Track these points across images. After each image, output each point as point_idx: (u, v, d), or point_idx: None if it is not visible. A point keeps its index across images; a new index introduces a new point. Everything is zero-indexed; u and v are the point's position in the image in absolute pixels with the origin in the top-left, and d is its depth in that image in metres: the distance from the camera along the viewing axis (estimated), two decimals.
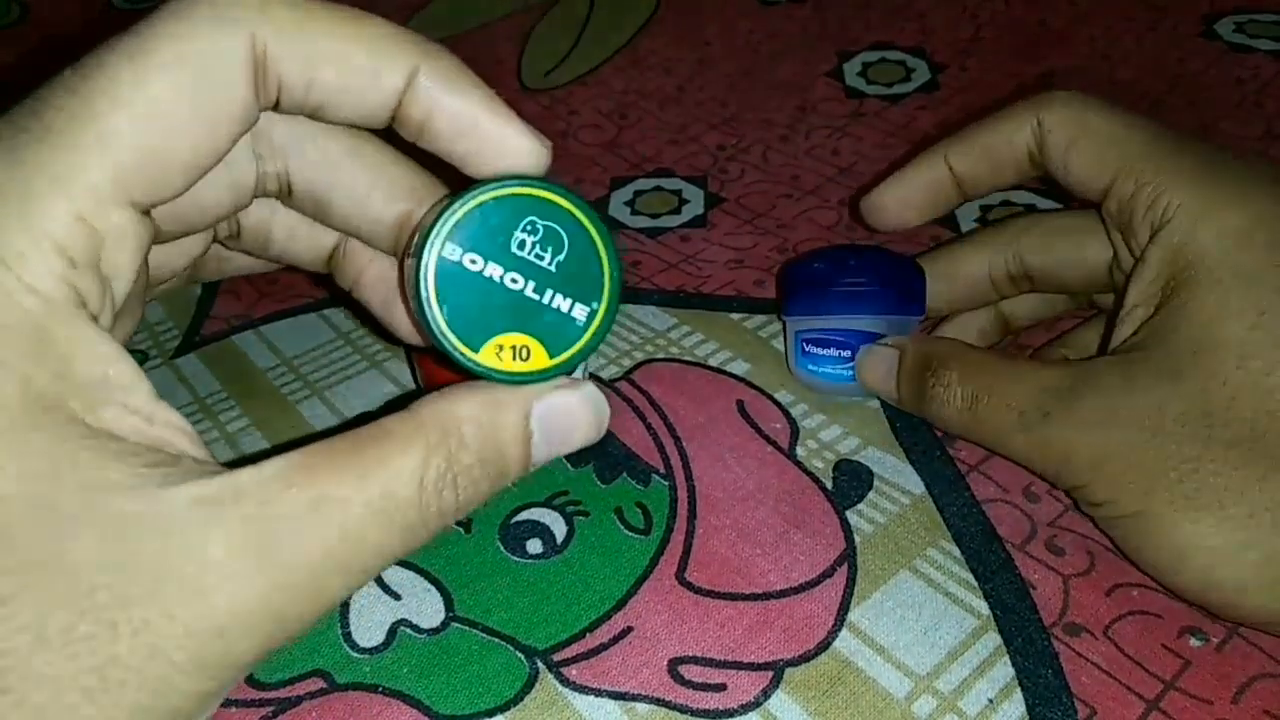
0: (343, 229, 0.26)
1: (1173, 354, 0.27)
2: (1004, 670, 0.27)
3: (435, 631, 0.29)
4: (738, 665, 0.28)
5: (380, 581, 0.31)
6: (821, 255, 0.37)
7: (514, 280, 0.21)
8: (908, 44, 0.59)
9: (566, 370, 0.22)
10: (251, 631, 0.18)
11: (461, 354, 0.21)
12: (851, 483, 0.33)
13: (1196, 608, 0.28)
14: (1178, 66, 0.54)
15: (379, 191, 0.24)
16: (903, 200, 0.34)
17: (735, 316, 0.41)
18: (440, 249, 0.20)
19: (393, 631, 0.30)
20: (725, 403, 0.36)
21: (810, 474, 0.33)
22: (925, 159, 0.33)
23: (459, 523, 0.33)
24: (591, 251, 0.21)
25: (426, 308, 0.21)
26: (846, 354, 0.35)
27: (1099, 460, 0.27)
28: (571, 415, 0.22)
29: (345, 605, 0.30)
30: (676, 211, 0.47)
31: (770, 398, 0.37)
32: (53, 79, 0.19)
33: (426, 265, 0.20)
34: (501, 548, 0.32)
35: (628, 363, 0.39)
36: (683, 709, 0.27)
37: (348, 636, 0.29)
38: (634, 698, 0.27)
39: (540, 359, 0.21)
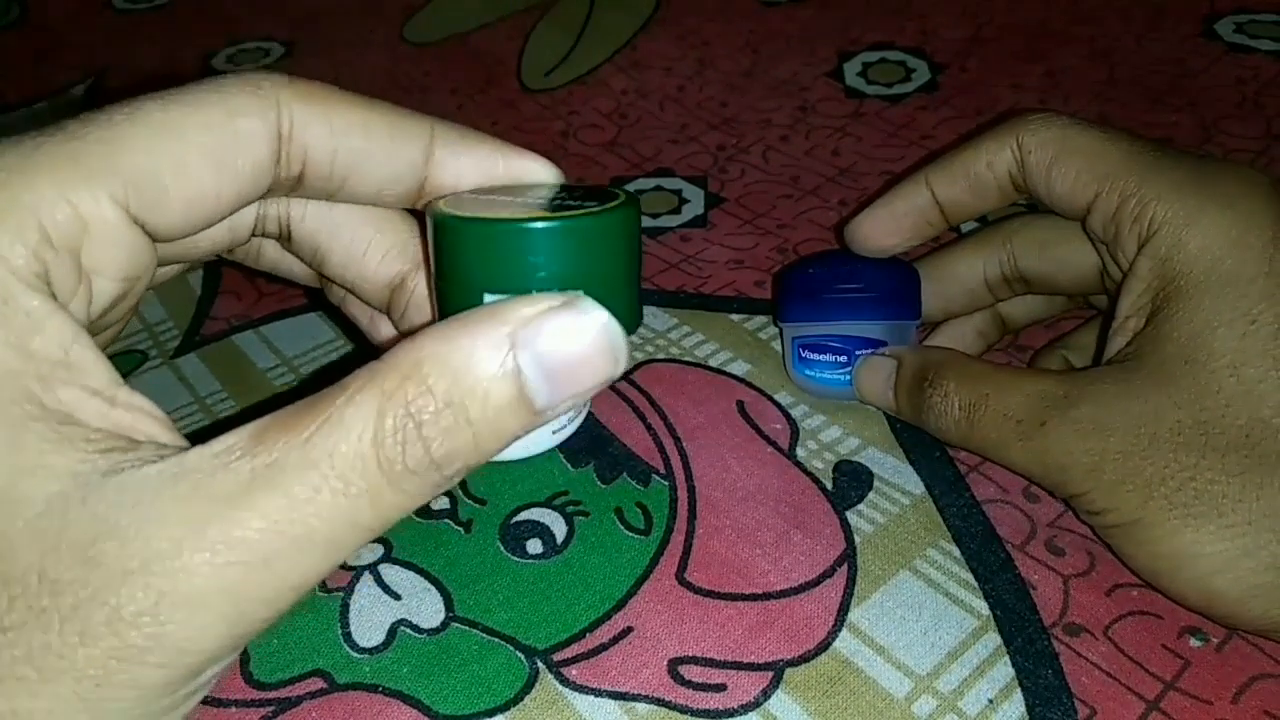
0: (337, 280, 0.25)
1: (1166, 363, 0.27)
2: (1004, 670, 0.27)
3: (435, 631, 0.30)
4: (738, 665, 0.28)
5: (380, 581, 0.31)
6: (817, 260, 0.37)
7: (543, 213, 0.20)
8: (908, 44, 0.59)
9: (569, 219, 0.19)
10: (197, 613, 0.17)
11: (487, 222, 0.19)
12: (851, 483, 0.33)
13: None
14: (1178, 66, 0.54)
15: (377, 251, 0.24)
16: (885, 227, 0.34)
17: (735, 317, 0.41)
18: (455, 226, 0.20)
19: (393, 631, 0.30)
20: (725, 403, 0.36)
21: (810, 474, 0.33)
22: (907, 185, 0.33)
23: (459, 523, 0.33)
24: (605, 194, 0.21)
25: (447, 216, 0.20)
26: (843, 359, 0.35)
27: (1096, 468, 0.27)
28: (572, 340, 0.17)
29: (345, 605, 0.30)
30: (676, 211, 0.47)
31: (770, 398, 0.37)
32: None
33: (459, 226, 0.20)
34: (501, 548, 0.32)
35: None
36: (683, 709, 0.27)
37: (348, 636, 0.29)
38: (634, 698, 0.27)
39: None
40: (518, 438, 0.18)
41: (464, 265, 0.20)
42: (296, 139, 0.20)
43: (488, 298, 0.20)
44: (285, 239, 0.25)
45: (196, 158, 0.19)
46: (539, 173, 0.22)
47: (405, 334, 0.22)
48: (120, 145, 0.18)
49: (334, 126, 0.20)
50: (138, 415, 0.18)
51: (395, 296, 0.25)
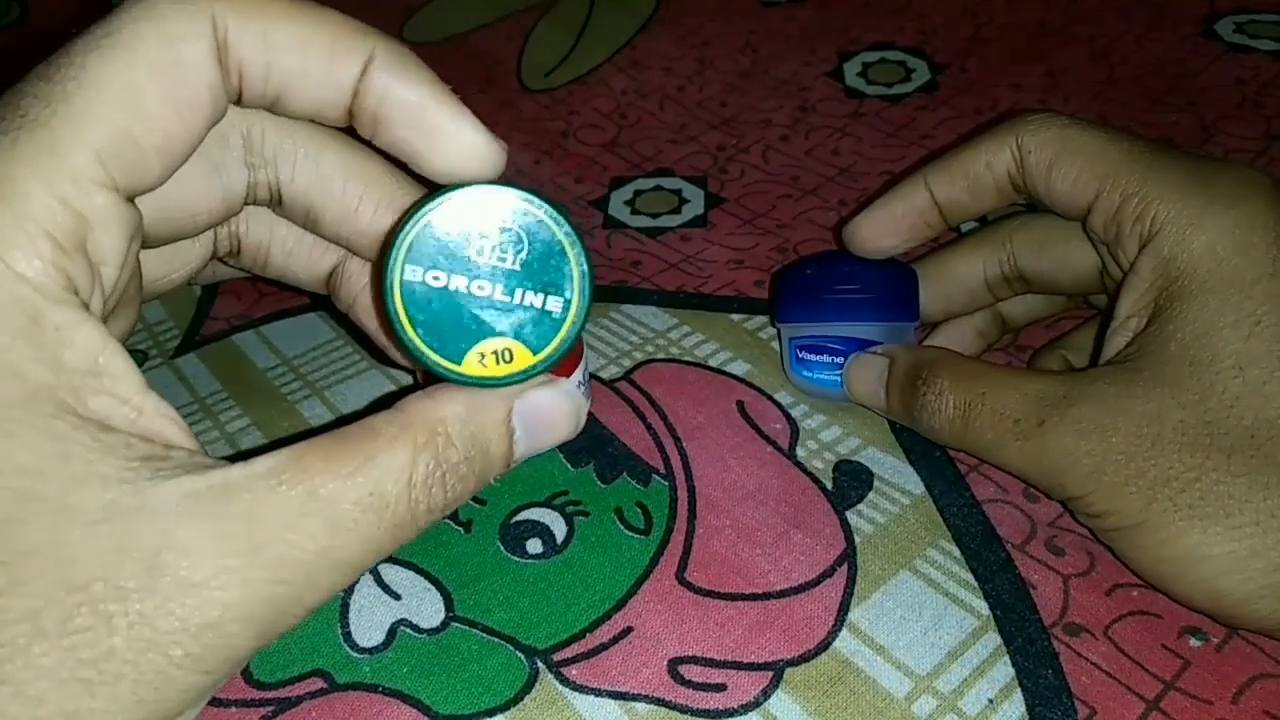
0: (334, 240, 0.26)
1: (1170, 364, 0.27)
2: (1004, 670, 0.27)
3: (435, 631, 0.30)
4: (738, 665, 0.28)
5: (380, 581, 0.31)
6: (815, 261, 0.37)
7: (480, 287, 0.21)
8: (908, 44, 0.59)
9: (551, 365, 0.22)
10: (246, 627, 0.18)
11: (445, 369, 0.21)
12: (851, 483, 0.33)
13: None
14: (1178, 66, 0.54)
15: (369, 203, 0.25)
16: (884, 228, 0.34)
17: (735, 317, 0.41)
18: (401, 274, 0.21)
19: (393, 631, 0.30)
20: (725, 403, 0.36)
21: (810, 474, 0.33)
22: (906, 186, 0.33)
23: (459, 523, 0.33)
24: (553, 241, 0.21)
25: (401, 333, 0.21)
26: (840, 360, 0.34)
27: (1098, 470, 0.27)
28: (550, 411, 0.23)
29: (345, 605, 0.30)
30: (676, 211, 0.47)
31: (770, 398, 0.37)
32: (29, 73, 0.19)
33: (392, 291, 0.21)
34: (501, 548, 0.32)
35: (628, 363, 0.39)
36: (683, 709, 0.27)
37: (348, 636, 0.29)
38: (634, 698, 0.27)
39: (524, 358, 0.21)
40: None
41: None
42: (232, 54, 0.19)
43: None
44: (277, 203, 0.25)
45: (156, 105, 0.19)
46: (470, 147, 0.22)
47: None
48: (87, 120, 0.18)
49: (269, 41, 0.20)
50: (164, 422, 0.19)
51: None
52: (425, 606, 0.30)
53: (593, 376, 0.38)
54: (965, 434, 0.30)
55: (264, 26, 0.19)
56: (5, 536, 0.17)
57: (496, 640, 0.29)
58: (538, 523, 0.33)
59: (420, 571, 0.31)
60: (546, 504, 0.33)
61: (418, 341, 0.21)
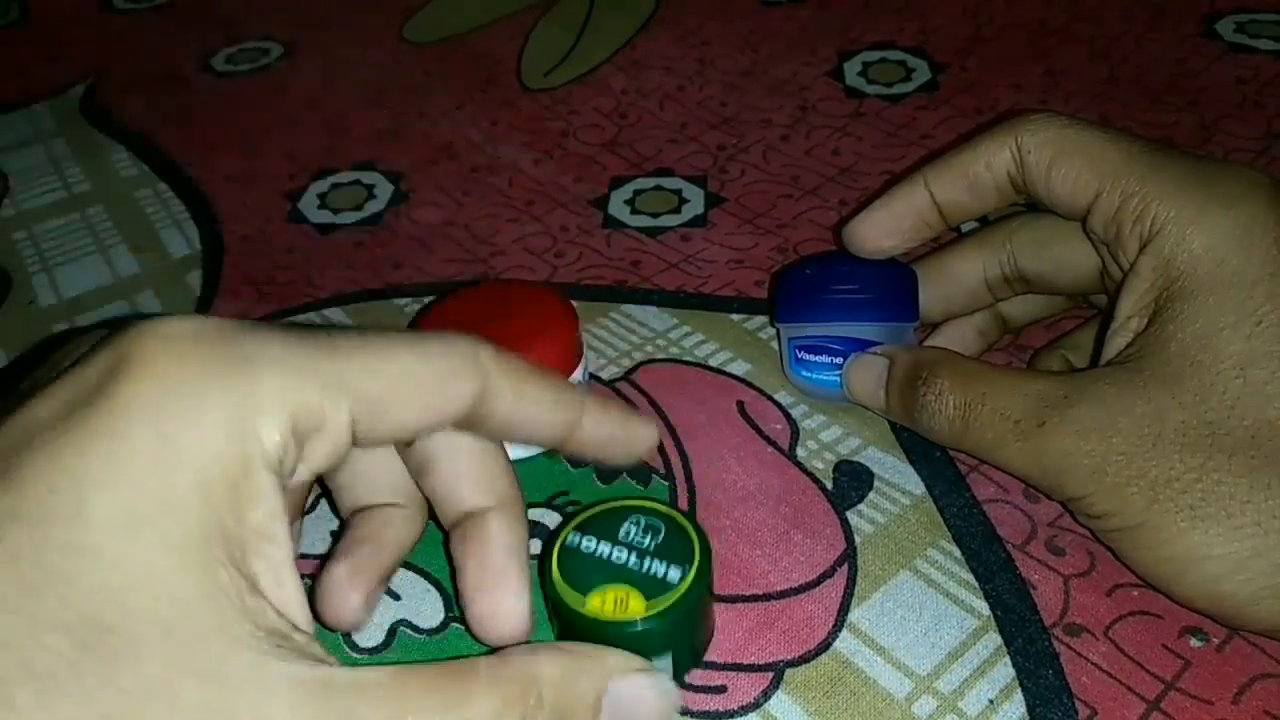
0: (429, 497, 0.27)
1: (1171, 364, 0.27)
2: (1004, 671, 0.27)
3: (435, 632, 0.29)
4: (738, 667, 0.28)
5: None
6: (814, 261, 0.37)
7: (619, 555, 0.27)
8: (908, 44, 0.59)
9: (661, 620, 0.26)
10: None
11: (569, 602, 0.26)
12: (852, 483, 0.33)
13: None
14: (1178, 66, 0.54)
15: (468, 484, 0.26)
16: (883, 228, 0.34)
17: (735, 317, 0.41)
18: (564, 539, 0.28)
19: (392, 632, 0.30)
20: (725, 403, 0.36)
21: (810, 475, 0.33)
22: (905, 186, 0.33)
23: None
24: (683, 535, 0.27)
25: (548, 573, 0.27)
26: (840, 360, 0.34)
27: (1099, 470, 0.26)
28: (642, 702, 0.23)
29: None
30: (676, 211, 0.47)
31: (770, 398, 0.37)
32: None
33: (555, 546, 0.27)
34: None
35: (628, 363, 0.39)
36: (683, 711, 0.27)
37: (347, 637, 0.29)
38: None
39: (637, 607, 0.26)
40: None
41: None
42: (487, 403, 0.23)
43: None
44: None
45: (415, 400, 0.22)
46: (641, 445, 0.27)
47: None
48: (367, 370, 0.21)
49: (517, 397, 0.24)
50: (297, 604, 0.20)
51: (468, 525, 0.26)
52: (425, 607, 0.30)
53: (593, 377, 0.38)
54: (965, 434, 0.30)
55: (517, 387, 0.24)
56: (128, 655, 0.17)
57: None
58: (537, 523, 0.32)
59: (420, 572, 0.31)
60: (547, 504, 0.33)
61: (557, 581, 0.26)
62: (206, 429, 0.19)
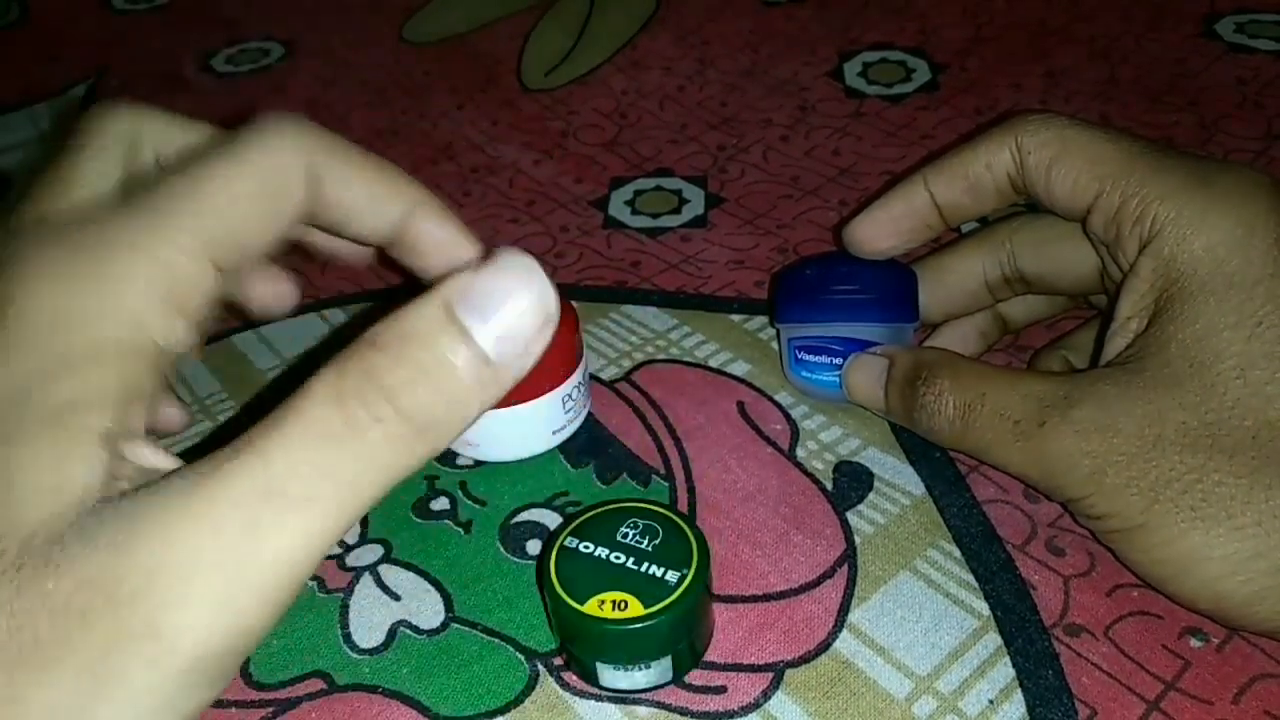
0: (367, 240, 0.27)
1: (1171, 365, 0.27)
2: (1004, 671, 0.27)
3: (435, 632, 0.29)
4: (738, 667, 0.28)
5: (380, 582, 0.31)
6: (814, 261, 0.37)
7: (617, 557, 0.27)
8: (908, 44, 0.59)
9: (660, 619, 0.26)
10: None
11: (570, 605, 0.26)
12: (852, 484, 0.33)
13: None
14: (1178, 66, 0.54)
15: (371, 204, 0.26)
16: (883, 229, 0.34)
17: (736, 317, 0.41)
18: (563, 541, 0.28)
19: (392, 632, 0.30)
20: (725, 404, 0.36)
21: (810, 475, 0.33)
22: (905, 187, 0.33)
23: (459, 523, 0.33)
24: (682, 537, 0.28)
25: (547, 577, 0.27)
26: (839, 361, 0.34)
27: (1099, 471, 0.26)
28: (497, 288, 0.19)
29: (345, 606, 0.30)
30: (676, 211, 0.47)
31: (770, 399, 0.37)
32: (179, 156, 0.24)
33: (552, 550, 0.27)
34: (501, 548, 0.32)
35: (628, 363, 0.39)
36: (683, 711, 0.27)
37: (347, 637, 0.29)
38: (634, 700, 0.27)
39: (636, 610, 0.26)
40: (488, 395, 0.20)
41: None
42: (319, 185, 0.23)
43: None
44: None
45: (256, 212, 0.22)
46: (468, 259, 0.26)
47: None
48: (208, 209, 0.22)
49: (344, 179, 0.24)
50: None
51: (403, 235, 0.26)
52: (425, 607, 0.30)
53: (593, 377, 0.38)
54: (965, 435, 0.30)
55: (347, 172, 0.24)
56: None
57: (497, 641, 0.29)
58: (537, 523, 0.32)
59: (420, 572, 0.31)
60: (546, 504, 0.33)
61: (556, 584, 0.27)
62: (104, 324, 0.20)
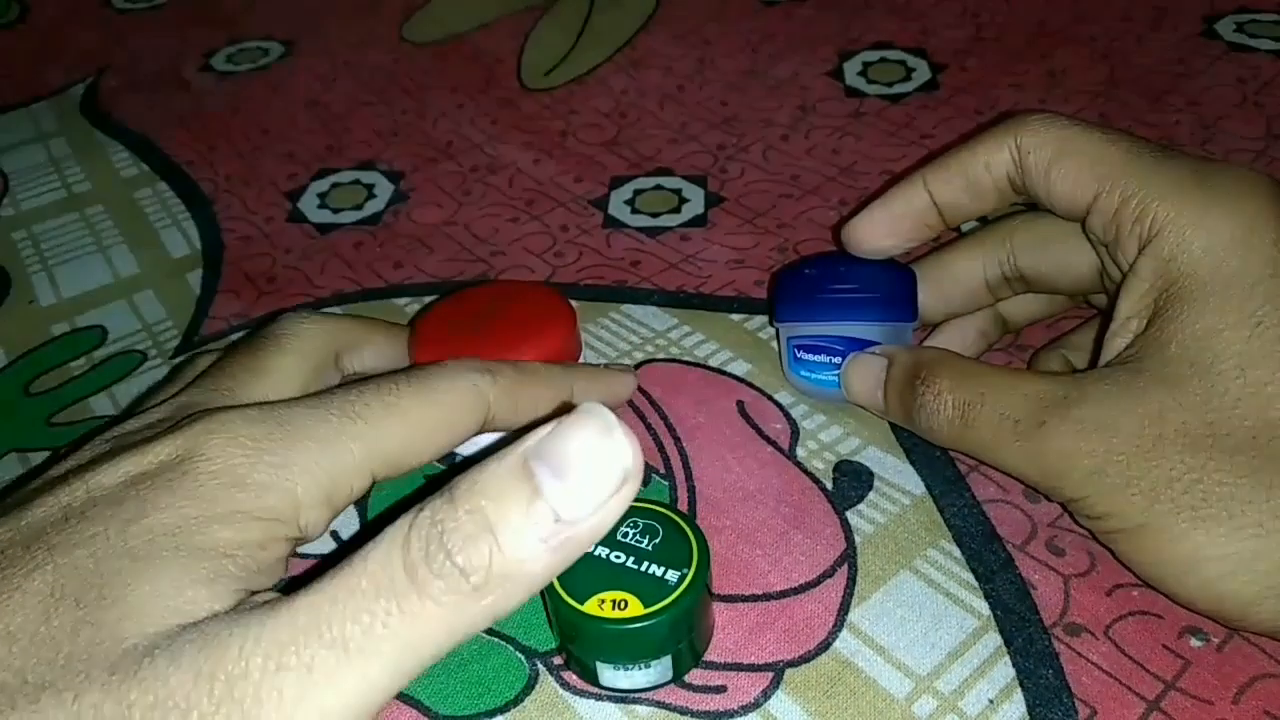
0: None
1: (1171, 365, 0.27)
2: (1004, 671, 0.27)
3: None
4: (738, 666, 0.28)
5: None
6: (814, 261, 0.37)
7: (617, 557, 0.27)
8: (908, 44, 0.59)
9: (659, 618, 0.26)
10: None
11: (570, 604, 0.26)
12: (852, 483, 0.33)
13: None
14: (1178, 66, 0.54)
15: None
16: (882, 228, 0.34)
17: (735, 317, 0.41)
18: None
19: None
20: (725, 403, 0.36)
21: (810, 475, 0.33)
22: (904, 187, 0.33)
23: None
24: (682, 536, 0.28)
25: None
26: (838, 360, 0.34)
27: (1099, 471, 0.26)
28: (574, 443, 0.19)
29: None
30: (676, 211, 0.47)
31: (770, 398, 0.37)
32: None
33: None
34: None
35: (628, 363, 0.39)
36: (683, 711, 0.27)
37: None
38: (634, 700, 0.27)
39: (635, 609, 0.26)
40: (557, 557, 0.19)
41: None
42: (490, 421, 0.27)
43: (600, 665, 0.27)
44: None
45: (427, 445, 0.26)
46: (626, 390, 0.35)
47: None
48: (386, 435, 0.25)
49: (516, 409, 0.27)
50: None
51: None
52: None
53: None
54: (964, 435, 0.30)
55: (517, 400, 0.28)
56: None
57: (496, 640, 0.29)
58: None
59: None
60: None
61: (556, 583, 0.27)
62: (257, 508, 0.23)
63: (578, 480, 0.18)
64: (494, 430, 0.28)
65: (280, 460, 0.23)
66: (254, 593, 0.21)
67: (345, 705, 0.18)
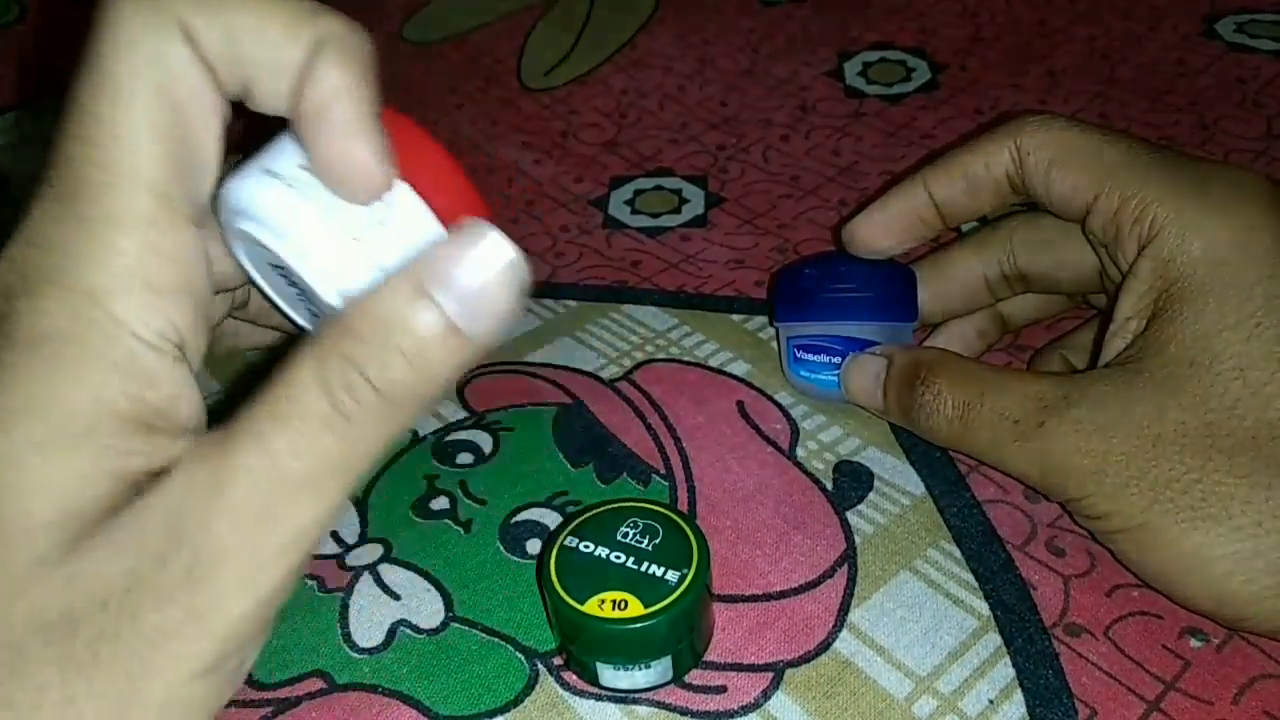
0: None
1: (1169, 366, 0.27)
2: (1004, 671, 0.27)
3: (435, 632, 0.29)
4: (738, 667, 0.28)
5: (380, 581, 0.31)
6: (814, 261, 0.37)
7: (617, 557, 0.27)
8: (908, 44, 0.59)
9: (660, 617, 0.26)
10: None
11: (571, 604, 0.26)
12: (852, 483, 0.33)
13: None
14: (1178, 66, 0.54)
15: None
16: (882, 229, 0.34)
17: (736, 317, 0.41)
18: (563, 540, 0.28)
19: (392, 632, 0.30)
20: (725, 403, 0.36)
21: (810, 475, 0.33)
22: (904, 187, 0.33)
23: (459, 523, 0.33)
24: (682, 536, 0.28)
25: (547, 577, 0.27)
26: (838, 360, 0.34)
27: (1099, 471, 0.27)
28: (461, 259, 0.19)
29: (344, 606, 0.30)
30: (676, 211, 0.47)
31: (770, 398, 0.37)
32: (58, 139, 0.20)
33: (552, 549, 0.27)
34: (501, 548, 0.32)
35: (628, 363, 0.39)
36: (683, 711, 0.27)
37: (347, 637, 0.29)
38: (634, 700, 0.27)
39: (636, 609, 0.26)
40: (459, 361, 0.20)
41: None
42: (204, 51, 0.20)
43: (600, 665, 0.27)
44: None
45: (179, 130, 0.20)
46: (363, 174, 0.22)
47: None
48: (132, 167, 0.20)
49: (231, 32, 0.20)
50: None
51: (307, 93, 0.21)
52: (425, 607, 0.30)
53: (593, 376, 0.38)
54: (964, 435, 0.30)
55: (224, 19, 0.20)
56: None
57: (496, 641, 0.29)
58: (537, 523, 0.32)
59: (420, 572, 0.31)
60: (546, 504, 0.33)
61: (556, 583, 0.27)
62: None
63: (475, 296, 0.19)
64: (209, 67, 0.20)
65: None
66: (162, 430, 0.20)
67: (300, 543, 0.19)
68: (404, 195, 0.21)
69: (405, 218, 0.21)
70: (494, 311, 0.20)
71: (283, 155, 0.21)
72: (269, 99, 0.21)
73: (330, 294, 0.21)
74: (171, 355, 0.20)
